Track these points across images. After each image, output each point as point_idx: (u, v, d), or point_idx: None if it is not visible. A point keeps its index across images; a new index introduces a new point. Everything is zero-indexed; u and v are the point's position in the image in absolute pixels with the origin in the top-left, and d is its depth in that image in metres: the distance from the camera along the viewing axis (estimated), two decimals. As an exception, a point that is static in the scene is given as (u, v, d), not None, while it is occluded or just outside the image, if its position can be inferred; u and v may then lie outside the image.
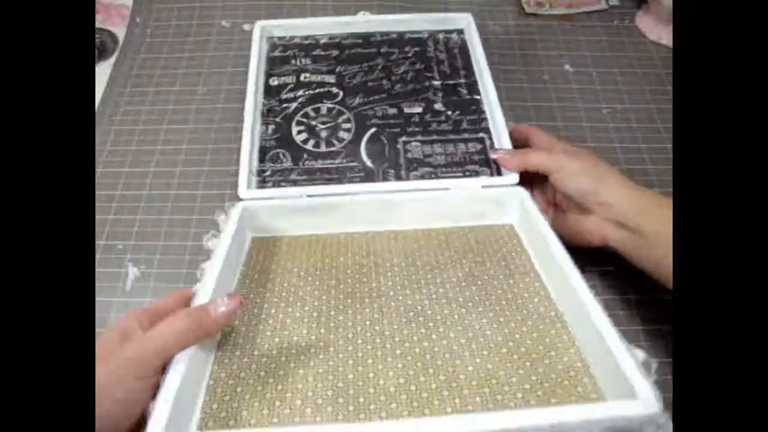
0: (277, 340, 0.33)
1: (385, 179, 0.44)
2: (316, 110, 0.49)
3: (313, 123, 0.48)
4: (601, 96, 0.55)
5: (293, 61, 0.52)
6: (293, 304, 0.35)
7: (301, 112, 0.48)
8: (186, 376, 0.27)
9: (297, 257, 0.40)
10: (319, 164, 0.45)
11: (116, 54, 0.59)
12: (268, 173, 0.45)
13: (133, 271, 0.46)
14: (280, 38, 0.54)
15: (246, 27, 0.60)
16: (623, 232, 0.36)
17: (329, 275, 0.38)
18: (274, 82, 0.51)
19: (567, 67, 0.57)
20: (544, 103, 0.55)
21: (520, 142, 0.45)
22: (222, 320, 0.29)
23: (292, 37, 0.54)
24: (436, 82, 0.50)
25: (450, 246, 0.40)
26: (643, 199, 0.36)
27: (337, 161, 0.45)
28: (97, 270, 0.46)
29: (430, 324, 0.33)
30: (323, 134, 0.47)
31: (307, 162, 0.45)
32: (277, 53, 0.53)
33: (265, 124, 0.48)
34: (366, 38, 0.54)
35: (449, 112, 0.48)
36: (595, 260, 0.41)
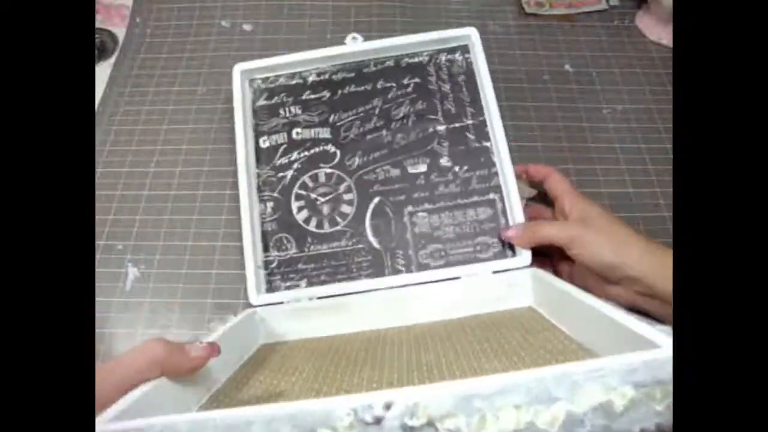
0: (268, 392, 0.31)
1: (393, 264, 0.43)
2: (314, 178, 0.46)
3: (313, 196, 0.45)
4: (601, 96, 0.55)
5: (282, 111, 0.48)
6: (289, 373, 0.34)
7: (299, 182, 0.46)
8: (159, 387, 0.25)
9: (302, 353, 0.39)
10: (324, 248, 0.44)
11: (116, 54, 0.59)
12: (274, 264, 0.44)
13: (132, 272, 0.46)
14: (263, 80, 0.49)
15: (246, 27, 0.60)
16: (652, 300, 0.36)
17: (334, 355, 0.36)
18: (265, 143, 0.47)
19: (567, 67, 0.57)
20: (544, 103, 0.55)
21: (536, 182, 0.45)
22: (197, 360, 0.28)
23: (277, 77, 0.49)
24: (441, 128, 0.46)
25: (464, 326, 0.38)
26: (666, 261, 0.35)
27: (342, 243, 0.44)
28: (97, 270, 0.46)
29: (435, 371, 0.30)
30: (325, 210, 0.45)
31: (312, 246, 0.44)
32: (262, 101, 0.48)
33: (263, 201, 0.45)
34: (359, 70, 0.49)
35: (456, 168, 0.45)
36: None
